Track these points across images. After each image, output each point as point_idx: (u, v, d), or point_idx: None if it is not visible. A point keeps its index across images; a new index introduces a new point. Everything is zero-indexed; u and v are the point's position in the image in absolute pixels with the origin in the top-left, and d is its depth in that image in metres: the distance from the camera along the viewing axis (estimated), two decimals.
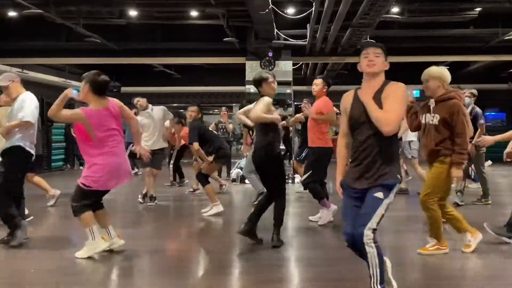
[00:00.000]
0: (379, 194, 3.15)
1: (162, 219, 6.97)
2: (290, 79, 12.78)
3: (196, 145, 6.83)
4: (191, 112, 7.18)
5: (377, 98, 3.21)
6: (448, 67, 16.93)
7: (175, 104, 19.16)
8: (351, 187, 3.24)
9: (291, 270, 4.49)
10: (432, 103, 4.60)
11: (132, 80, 17.02)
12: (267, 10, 8.95)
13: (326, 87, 6.19)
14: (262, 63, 12.48)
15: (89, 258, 4.65)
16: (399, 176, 3.24)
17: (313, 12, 9.47)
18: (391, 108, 3.15)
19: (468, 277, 4.29)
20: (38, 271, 4.47)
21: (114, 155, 4.65)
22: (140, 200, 7.75)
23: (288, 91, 12.85)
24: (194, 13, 10.66)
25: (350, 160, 3.34)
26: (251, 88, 12.96)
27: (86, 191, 4.61)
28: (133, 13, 10.41)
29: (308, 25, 10.63)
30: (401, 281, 3.55)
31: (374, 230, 3.13)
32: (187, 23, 11.47)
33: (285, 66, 12.66)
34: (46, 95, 14.72)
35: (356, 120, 3.24)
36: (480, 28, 11.40)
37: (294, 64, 13.46)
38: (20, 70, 13.22)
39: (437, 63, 16.66)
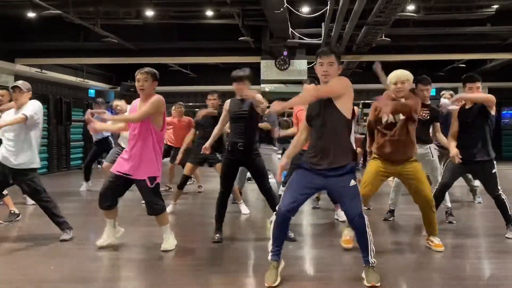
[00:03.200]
0: None
1: (176, 217, 7.05)
2: (305, 77, 12.78)
3: None
4: (213, 100, 6.98)
5: None
6: (464, 65, 16.63)
7: (191, 104, 19.27)
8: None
9: (304, 269, 4.51)
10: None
11: None
12: (282, 9, 8.97)
13: None
14: (277, 62, 12.51)
15: (105, 255, 4.75)
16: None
17: (328, 11, 9.47)
18: None
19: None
20: (58, 268, 4.57)
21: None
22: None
23: None
24: (209, 13, 10.73)
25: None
26: (266, 87, 13.01)
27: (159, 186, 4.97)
28: (149, 13, 10.50)
29: (323, 23, 10.62)
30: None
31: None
32: (203, 22, 11.54)
33: (300, 65, 12.67)
34: (64, 94, 14.96)
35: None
36: (498, 26, 11.27)
37: (309, 63, 13.45)
38: (39, 70, 13.42)
39: (453, 61, 16.56)
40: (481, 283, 4.06)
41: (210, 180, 10.48)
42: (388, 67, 16.64)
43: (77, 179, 12.84)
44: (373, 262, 3.84)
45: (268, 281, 3.83)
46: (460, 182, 9.94)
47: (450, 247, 5.14)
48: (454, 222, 6.25)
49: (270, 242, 3.92)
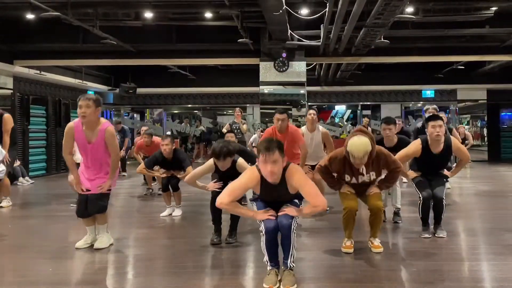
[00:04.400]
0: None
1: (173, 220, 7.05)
2: (304, 79, 12.80)
3: None
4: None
5: None
6: (463, 67, 16.65)
7: (189, 105, 19.28)
8: None
9: (303, 270, 4.50)
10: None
11: (148, 81, 17.18)
12: (280, 11, 8.98)
13: None
14: (276, 64, 12.52)
15: (103, 258, 4.73)
16: None
17: (326, 13, 9.49)
18: None
19: None
20: (57, 270, 4.56)
21: None
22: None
23: (302, 91, 12.89)
24: (208, 15, 10.74)
25: None
26: (265, 89, 13.03)
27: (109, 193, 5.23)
28: (148, 14, 10.50)
29: (321, 25, 10.64)
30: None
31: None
32: (202, 24, 11.55)
33: (299, 67, 12.68)
34: (63, 96, 14.95)
35: None
36: (496, 28, 11.30)
37: (307, 65, 13.46)
38: (38, 72, 13.41)
39: (452, 63, 16.55)
40: (479, 285, 4.06)
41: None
42: (387, 69, 16.62)
43: None
44: (292, 266, 3.90)
45: (269, 283, 3.81)
46: (456, 183, 9.98)
47: (447, 248, 5.13)
48: (400, 222, 6.30)
49: (266, 257, 3.94)
